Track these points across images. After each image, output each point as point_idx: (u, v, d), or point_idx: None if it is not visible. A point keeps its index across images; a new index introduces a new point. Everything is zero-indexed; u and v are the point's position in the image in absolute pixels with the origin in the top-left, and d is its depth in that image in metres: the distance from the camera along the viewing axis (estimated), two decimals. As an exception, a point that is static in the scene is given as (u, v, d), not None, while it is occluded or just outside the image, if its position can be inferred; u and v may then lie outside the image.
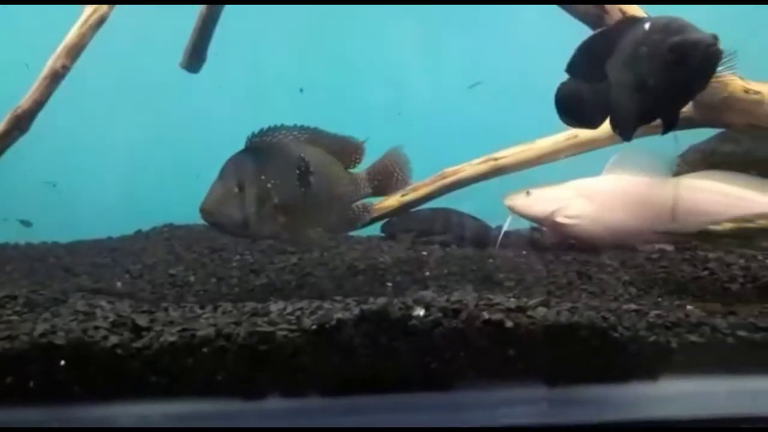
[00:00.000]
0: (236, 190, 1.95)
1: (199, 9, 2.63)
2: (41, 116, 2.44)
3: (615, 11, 2.33)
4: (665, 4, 2.51)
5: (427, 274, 2.39)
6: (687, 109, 2.60)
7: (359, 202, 2.22)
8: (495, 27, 3.21)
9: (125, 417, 1.29)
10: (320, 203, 2.05)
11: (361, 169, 2.22)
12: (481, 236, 2.85)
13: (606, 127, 2.73)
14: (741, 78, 2.48)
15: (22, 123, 2.24)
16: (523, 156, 2.84)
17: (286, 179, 1.99)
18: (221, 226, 2.04)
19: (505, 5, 2.95)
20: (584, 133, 2.75)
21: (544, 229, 2.84)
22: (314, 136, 2.06)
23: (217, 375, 1.33)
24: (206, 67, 2.90)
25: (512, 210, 2.76)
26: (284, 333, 1.34)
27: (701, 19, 1.87)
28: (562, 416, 1.34)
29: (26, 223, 3.11)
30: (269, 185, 1.98)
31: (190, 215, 3.18)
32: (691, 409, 1.35)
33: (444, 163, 3.01)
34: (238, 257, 2.70)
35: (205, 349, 1.32)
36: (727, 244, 2.15)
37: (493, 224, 2.90)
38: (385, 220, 3.05)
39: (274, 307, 1.46)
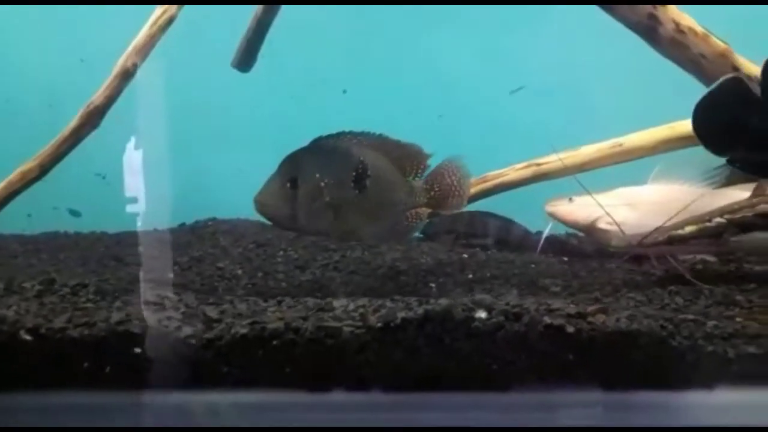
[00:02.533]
0: (289, 185, 2.05)
1: (254, 9, 2.68)
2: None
3: (669, 22, 2.34)
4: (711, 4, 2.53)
5: (470, 276, 2.42)
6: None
7: (413, 211, 2.23)
8: (542, 29, 3.22)
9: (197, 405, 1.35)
10: (373, 207, 2.10)
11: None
12: (521, 240, 2.87)
13: (652, 135, 2.78)
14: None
15: (93, 119, 2.34)
16: (566, 162, 2.85)
17: (341, 180, 2.05)
18: (271, 218, 2.16)
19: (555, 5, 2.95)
20: (629, 142, 2.77)
21: (583, 235, 2.86)
22: (377, 142, 2.10)
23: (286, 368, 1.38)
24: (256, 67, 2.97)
25: (554, 216, 2.77)
26: (350, 329, 1.39)
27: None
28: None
29: (75, 213, 3.19)
30: (322, 184, 2.05)
31: (234, 210, 3.28)
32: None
33: (485, 168, 3.05)
34: (281, 253, 2.76)
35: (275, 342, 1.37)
36: (697, 245, 2.22)
37: (535, 230, 2.93)
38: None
39: (337, 303, 1.51)
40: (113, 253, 2.77)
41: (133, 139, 2.22)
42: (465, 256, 2.73)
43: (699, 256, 2.48)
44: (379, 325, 1.39)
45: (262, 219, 3.26)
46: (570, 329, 1.37)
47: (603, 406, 1.39)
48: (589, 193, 2.50)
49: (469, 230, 2.96)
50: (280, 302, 1.56)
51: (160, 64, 2.57)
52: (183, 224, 3.26)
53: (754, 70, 2.43)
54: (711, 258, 2.46)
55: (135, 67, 2.30)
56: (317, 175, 2.04)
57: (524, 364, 1.38)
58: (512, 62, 3.24)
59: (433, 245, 2.94)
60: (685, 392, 1.39)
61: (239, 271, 2.47)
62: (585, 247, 2.84)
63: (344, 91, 3.35)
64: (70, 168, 3.11)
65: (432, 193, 2.21)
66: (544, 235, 2.77)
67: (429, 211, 2.25)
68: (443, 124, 3.30)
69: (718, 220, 2.21)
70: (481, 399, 1.38)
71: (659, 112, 2.76)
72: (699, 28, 2.42)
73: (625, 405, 1.39)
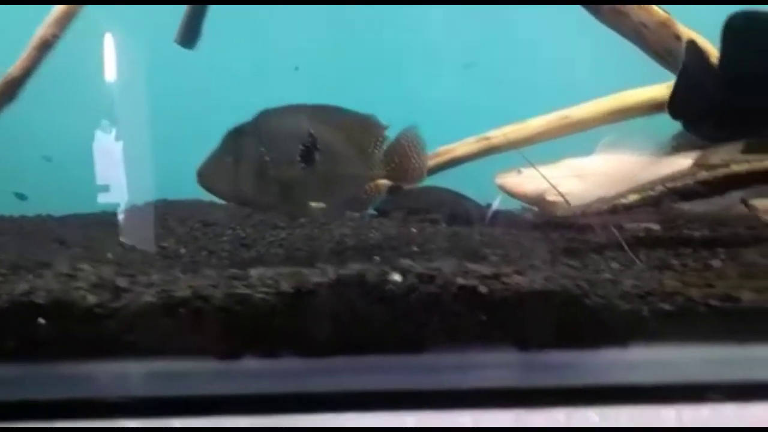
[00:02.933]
0: (231, 159, 2.00)
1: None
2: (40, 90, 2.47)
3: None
4: (681, 4, 2.52)
5: (415, 249, 2.40)
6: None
7: (372, 183, 2.18)
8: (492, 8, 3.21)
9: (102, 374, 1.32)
10: (325, 182, 2.04)
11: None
12: (472, 214, 2.86)
13: (598, 106, 2.78)
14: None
15: (11, 90, 2.28)
16: (515, 135, 2.85)
17: (288, 154, 1.99)
18: (214, 192, 2.09)
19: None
20: (576, 113, 2.76)
21: (535, 208, 2.86)
22: (331, 115, 2.05)
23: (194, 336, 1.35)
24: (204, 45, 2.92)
25: (503, 189, 2.77)
26: (261, 296, 1.36)
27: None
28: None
29: (21, 197, 3.13)
30: (267, 158, 2.00)
31: (185, 190, 3.23)
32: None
33: (438, 143, 3.03)
34: (230, 231, 2.73)
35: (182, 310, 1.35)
36: (641, 212, 2.24)
37: (485, 204, 2.92)
38: (378, 197, 3.07)
39: (254, 272, 1.48)
40: (57, 236, 2.72)
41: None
42: (413, 230, 2.71)
43: (643, 224, 2.49)
44: (291, 290, 1.36)
45: (214, 198, 3.28)
46: (483, 290, 1.36)
47: (517, 366, 1.38)
48: (533, 165, 2.50)
49: (420, 205, 2.95)
50: (196, 273, 1.53)
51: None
52: (133, 205, 3.19)
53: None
54: (655, 226, 2.47)
55: (55, 38, 2.24)
56: (261, 149, 1.99)
57: (437, 326, 1.36)
58: (460, 37, 3.21)
59: (384, 221, 2.92)
60: (600, 350, 1.38)
61: (182, 250, 2.44)
62: (534, 218, 2.83)
63: (296, 68, 3.31)
64: (17, 151, 3.06)
65: (392, 165, 2.15)
66: (493, 207, 2.76)
67: (389, 183, 2.21)
68: (397, 99, 3.26)
69: (661, 188, 2.22)
70: (394, 361, 1.36)
71: (605, 83, 2.75)
72: (638, -4, 2.41)
73: (539, 364, 1.38)
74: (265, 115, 2.03)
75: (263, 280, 1.41)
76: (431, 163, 2.97)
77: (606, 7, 2.38)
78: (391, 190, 2.91)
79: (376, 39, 3.33)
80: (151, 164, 3.27)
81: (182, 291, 1.38)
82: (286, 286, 1.38)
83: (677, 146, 2.81)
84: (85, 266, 1.55)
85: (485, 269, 1.41)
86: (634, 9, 2.40)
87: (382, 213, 3.05)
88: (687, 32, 2.46)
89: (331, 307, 1.35)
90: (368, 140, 2.12)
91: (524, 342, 1.38)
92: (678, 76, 2.19)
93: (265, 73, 3.32)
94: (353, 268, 1.41)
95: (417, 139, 2.19)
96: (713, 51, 2.22)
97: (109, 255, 2.35)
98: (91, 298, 1.37)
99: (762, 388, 1.34)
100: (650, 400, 1.32)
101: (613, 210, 2.25)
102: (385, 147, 2.15)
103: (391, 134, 2.18)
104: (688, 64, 2.18)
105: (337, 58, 3.39)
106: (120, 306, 1.36)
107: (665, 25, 2.43)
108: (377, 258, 2.29)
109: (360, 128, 2.12)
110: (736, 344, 1.40)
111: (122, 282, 1.42)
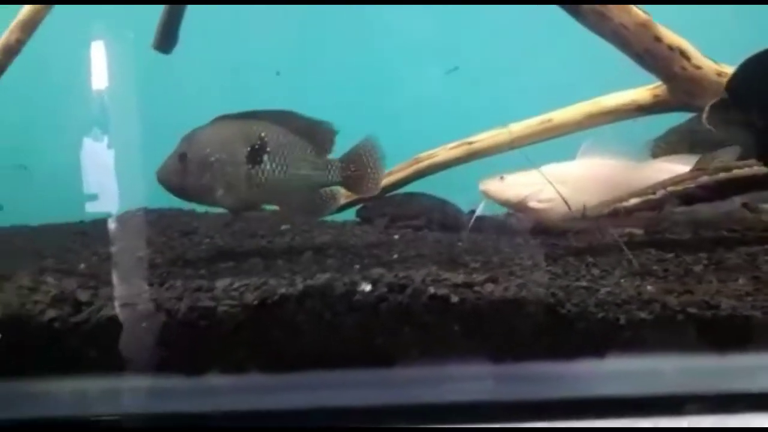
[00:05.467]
0: (179, 159, 2.11)
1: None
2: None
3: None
4: (664, 4, 2.50)
5: (395, 257, 2.36)
6: (661, 92, 2.60)
7: (327, 189, 2.21)
8: (473, 12, 3.18)
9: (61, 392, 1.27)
10: (273, 183, 2.08)
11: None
12: (454, 220, 2.83)
13: (579, 110, 2.74)
14: (715, 62, 2.47)
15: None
16: (496, 140, 2.81)
17: (233, 155, 2.06)
18: (168, 190, 2.19)
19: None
20: (558, 117, 2.73)
21: (518, 214, 2.82)
22: (285, 119, 2.10)
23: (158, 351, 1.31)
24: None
25: (486, 195, 2.73)
26: (225, 308, 1.32)
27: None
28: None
29: (-3, 206, 3.07)
30: (212, 159, 2.09)
31: (165, 200, 3.18)
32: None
33: (420, 148, 3.00)
34: (207, 240, 2.68)
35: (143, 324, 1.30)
36: (640, 217, 2.24)
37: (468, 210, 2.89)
38: (360, 205, 3.03)
39: (220, 283, 1.43)
40: (32, 246, 2.66)
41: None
42: (396, 237, 2.67)
43: (627, 229, 2.45)
44: (256, 302, 1.32)
45: (194, 207, 3.23)
46: (454, 299, 1.32)
47: (491, 379, 1.34)
48: (536, 168, 2.47)
49: (402, 212, 2.91)
50: (162, 284, 1.48)
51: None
52: (110, 215, 3.14)
53: (674, 40, 2.41)
54: (637, 230, 2.43)
55: (20, 43, 2.19)
56: (207, 150, 2.09)
57: (408, 337, 1.32)
58: (441, 43, 3.19)
59: (366, 228, 2.88)
60: (576, 361, 1.34)
61: (158, 260, 2.38)
62: (517, 224, 2.80)
63: (277, 73, 3.27)
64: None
65: (348, 172, 2.19)
66: (476, 214, 2.72)
67: (345, 192, 2.23)
68: (375, 105, 3.23)
69: (662, 192, 2.20)
70: (363, 376, 1.32)
71: (585, 87, 2.72)
72: (618, -1, 2.38)
73: (514, 376, 1.34)
74: (220, 120, 2.13)
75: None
76: (412, 169, 2.95)
77: (586, 8, 2.36)
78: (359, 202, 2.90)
79: (360, 42, 3.30)
80: (134, 172, 3.23)
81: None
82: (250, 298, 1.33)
83: (658, 150, 2.80)
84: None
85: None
86: (614, 10, 2.37)
87: (365, 219, 3.01)
88: (667, 34, 2.44)
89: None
90: (320, 144, 2.16)
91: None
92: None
93: (247, 78, 3.27)
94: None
95: (374, 149, 2.20)
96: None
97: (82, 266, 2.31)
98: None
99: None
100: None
101: (614, 213, 2.22)
102: (340, 154, 2.17)
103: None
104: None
105: (319, 62, 3.36)
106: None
107: (645, 26, 2.41)
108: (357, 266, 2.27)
109: (312, 132, 2.15)
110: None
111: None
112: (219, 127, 2.10)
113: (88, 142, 3.14)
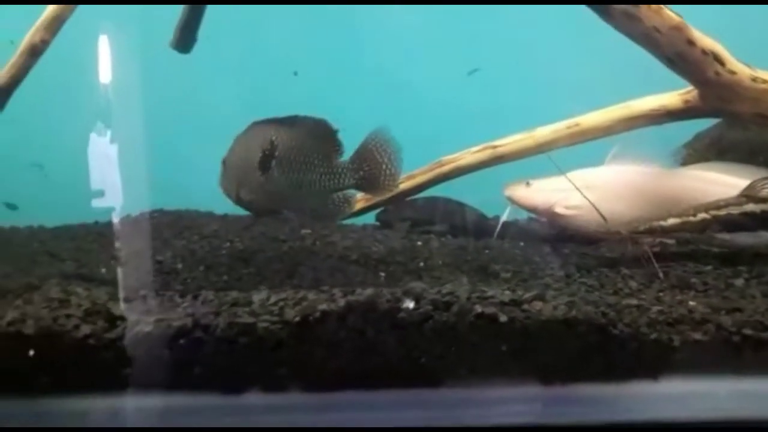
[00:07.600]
0: (224, 163, 2.17)
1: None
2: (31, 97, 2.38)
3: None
4: (690, 4, 2.44)
5: (421, 264, 2.32)
6: (693, 97, 2.54)
7: (340, 194, 2.08)
8: (495, 12, 3.12)
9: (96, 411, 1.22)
10: (283, 188, 2.05)
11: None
12: (478, 226, 2.77)
13: (607, 114, 2.68)
14: (749, 66, 2.41)
15: (-4, 100, 2.17)
16: (522, 144, 2.75)
17: (247, 161, 2.07)
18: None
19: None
20: (585, 122, 2.66)
21: (543, 220, 2.77)
22: (291, 123, 2.03)
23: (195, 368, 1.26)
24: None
25: (511, 200, 2.68)
26: (265, 325, 1.27)
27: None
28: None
29: (11, 206, 3.03)
30: (229, 164, 2.14)
31: (178, 201, 3.14)
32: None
33: (442, 152, 2.94)
34: (228, 244, 2.63)
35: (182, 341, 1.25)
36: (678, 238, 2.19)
37: (492, 215, 2.83)
38: (380, 209, 2.98)
39: (256, 297, 1.39)
40: (48, 248, 2.62)
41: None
42: (419, 243, 2.62)
43: (658, 239, 2.40)
44: (297, 319, 1.27)
45: (210, 209, 3.18)
46: (503, 318, 1.27)
47: (540, 401, 1.29)
48: (564, 175, 2.40)
49: (424, 216, 2.86)
50: (196, 297, 1.44)
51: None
52: (128, 216, 3.09)
53: (708, 44, 2.35)
54: (670, 240, 2.38)
55: (44, 43, 2.13)
56: (232, 158, 2.14)
57: (454, 357, 1.27)
58: (466, 44, 3.13)
59: (387, 233, 2.82)
60: (628, 383, 1.30)
61: (179, 266, 2.34)
62: (544, 231, 2.75)
63: (295, 73, 3.22)
64: (6, 158, 2.95)
65: (361, 173, 2.00)
66: (502, 219, 2.67)
67: (358, 195, 2.16)
68: (398, 107, 3.18)
69: (703, 215, 2.12)
70: (408, 396, 1.27)
71: (615, 91, 2.66)
72: (651, 1, 2.32)
73: (563, 399, 1.29)
74: (251, 126, 2.12)
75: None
76: (435, 172, 2.89)
77: (617, 9, 2.29)
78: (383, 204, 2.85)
79: (379, 44, 3.24)
80: (148, 172, 3.18)
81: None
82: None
83: (688, 156, 2.75)
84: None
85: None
86: (646, 12, 2.30)
87: (384, 224, 2.96)
88: (700, 37, 2.37)
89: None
90: (326, 146, 2.03)
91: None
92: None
93: (264, 78, 3.22)
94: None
95: (387, 142, 1.98)
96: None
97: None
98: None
99: None
100: None
101: (650, 231, 2.15)
102: (345, 152, 2.06)
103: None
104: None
105: (338, 64, 3.31)
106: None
107: (678, 29, 2.33)
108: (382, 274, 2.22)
109: (316, 134, 2.03)
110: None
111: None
112: (246, 133, 2.10)
113: (94, 139, 3.12)
